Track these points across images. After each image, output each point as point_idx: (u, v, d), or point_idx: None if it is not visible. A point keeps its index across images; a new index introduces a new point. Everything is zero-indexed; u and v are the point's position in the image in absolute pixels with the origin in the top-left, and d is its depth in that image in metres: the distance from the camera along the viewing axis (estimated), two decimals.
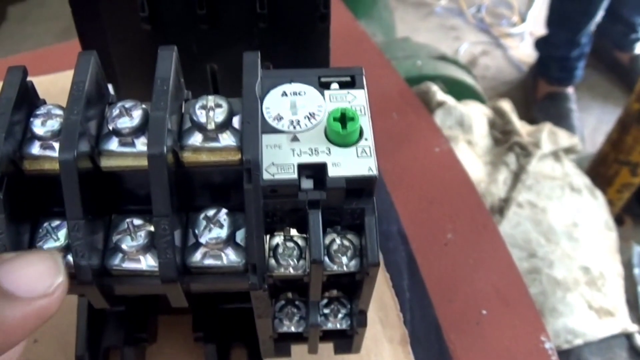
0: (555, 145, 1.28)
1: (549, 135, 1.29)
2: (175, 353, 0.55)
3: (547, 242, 1.15)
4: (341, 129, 0.35)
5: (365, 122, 0.37)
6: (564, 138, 1.31)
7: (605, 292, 1.12)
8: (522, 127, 1.31)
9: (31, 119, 0.36)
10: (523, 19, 2.63)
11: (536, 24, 2.57)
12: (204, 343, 0.51)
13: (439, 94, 1.28)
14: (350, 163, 0.35)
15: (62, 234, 0.36)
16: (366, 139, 0.36)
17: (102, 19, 0.53)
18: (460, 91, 1.44)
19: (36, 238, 0.36)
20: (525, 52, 2.46)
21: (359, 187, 0.36)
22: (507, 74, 2.43)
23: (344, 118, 0.36)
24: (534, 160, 1.22)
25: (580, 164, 1.39)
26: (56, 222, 0.36)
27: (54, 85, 0.41)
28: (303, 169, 0.35)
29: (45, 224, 0.36)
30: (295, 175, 0.35)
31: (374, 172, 0.35)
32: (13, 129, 0.35)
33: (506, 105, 1.35)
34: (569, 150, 1.32)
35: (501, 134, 1.30)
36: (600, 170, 1.58)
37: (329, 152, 0.36)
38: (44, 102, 0.38)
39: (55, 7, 2.47)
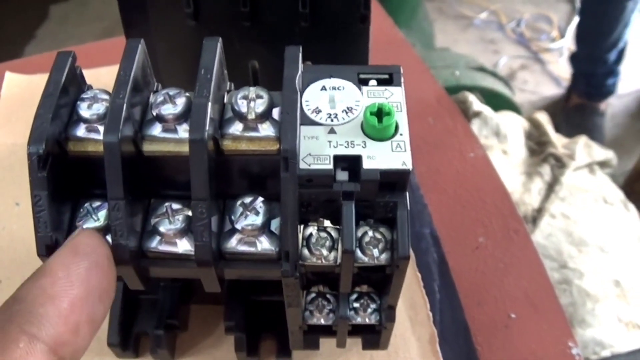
0: (590, 158, 1.28)
1: (584, 148, 1.29)
2: (205, 342, 0.56)
3: (579, 254, 1.15)
4: (377, 122, 0.36)
5: (401, 118, 0.38)
6: (599, 151, 1.31)
7: (635, 305, 1.12)
8: (557, 139, 1.31)
9: (78, 102, 0.37)
10: (562, 35, 2.62)
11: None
12: (234, 332, 0.51)
13: (476, 104, 1.28)
14: (385, 157, 0.36)
15: (102, 214, 0.37)
16: (401, 134, 0.37)
17: (148, 13, 0.54)
18: (497, 102, 1.44)
19: (76, 217, 0.37)
20: (564, 68, 2.45)
21: (393, 181, 0.36)
22: (545, 89, 2.43)
23: (380, 112, 0.36)
24: (568, 171, 1.22)
25: (615, 180, 1.39)
26: (97, 203, 0.37)
27: (97, 80, 0.42)
28: (339, 160, 0.36)
29: (86, 205, 0.37)
30: (330, 166, 0.36)
31: (408, 166, 0.36)
32: (60, 111, 0.36)
33: (542, 117, 1.35)
34: (603, 164, 1.32)
35: (536, 145, 1.30)
36: (635, 186, 1.57)
37: (365, 145, 0.37)
38: (90, 87, 0.39)
39: (97, 8, 2.50)
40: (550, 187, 1.22)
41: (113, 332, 0.52)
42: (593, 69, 2.14)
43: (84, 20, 2.49)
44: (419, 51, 1.57)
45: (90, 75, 0.40)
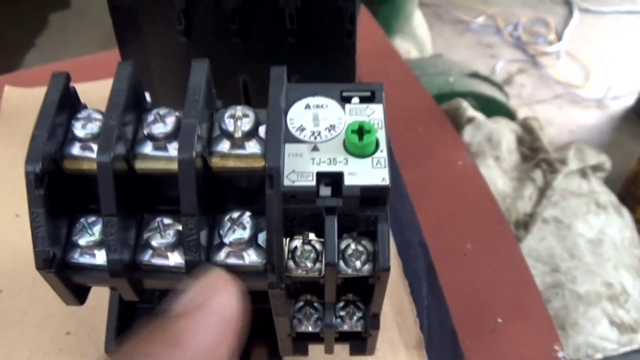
0: (583, 163, 1.29)
1: (576, 153, 1.30)
2: None
3: (571, 258, 1.16)
4: (358, 140, 0.38)
5: (381, 135, 0.39)
6: (592, 155, 1.32)
7: (628, 308, 1.13)
8: (549, 144, 1.32)
9: (72, 122, 0.38)
10: (559, 38, 2.63)
11: (572, 42, 2.58)
12: None
13: (469, 110, 1.29)
14: (366, 173, 0.38)
15: (97, 229, 0.38)
16: (381, 151, 0.39)
17: (142, 31, 0.55)
18: (492, 108, 1.45)
19: (73, 232, 0.39)
20: (561, 71, 2.47)
21: (373, 196, 0.38)
22: (543, 93, 2.44)
23: (361, 130, 0.38)
24: (560, 176, 1.23)
25: (612, 184, 1.39)
26: (92, 218, 0.39)
27: (95, 93, 0.43)
28: (321, 177, 0.38)
29: (82, 220, 0.39)
30: (313, 183, 0.37)
31: (387, 182, 0.37)
32: (55, 130, 0.37)
33: (535, 122, 1.36)
34: (597, 168, 1.33)
35: (529, 150, 1.31)
36: (631, 189, 1.58)
37: (347, 162, 0.38)
38: (85, 107, 0.41)
39: (95, 16, 2.51)
40: (542, 192, 1.23)
41: (110, 339, 0.54)
42: None
43: (83, 28, 2.50)
44: (414, 58, 1.59)
45: (87, 89, 0.42)
